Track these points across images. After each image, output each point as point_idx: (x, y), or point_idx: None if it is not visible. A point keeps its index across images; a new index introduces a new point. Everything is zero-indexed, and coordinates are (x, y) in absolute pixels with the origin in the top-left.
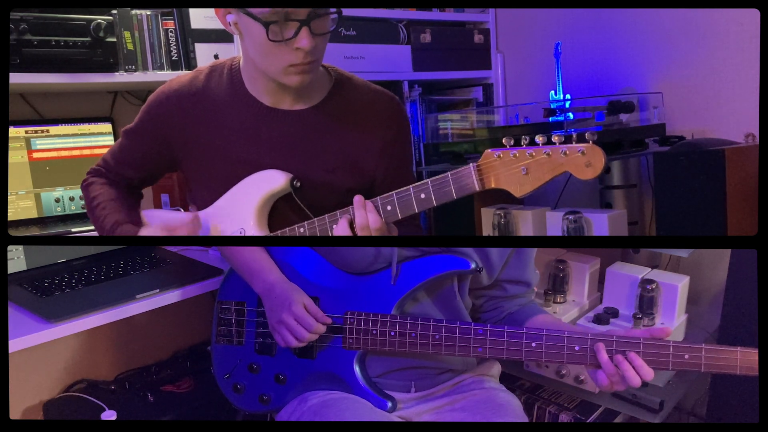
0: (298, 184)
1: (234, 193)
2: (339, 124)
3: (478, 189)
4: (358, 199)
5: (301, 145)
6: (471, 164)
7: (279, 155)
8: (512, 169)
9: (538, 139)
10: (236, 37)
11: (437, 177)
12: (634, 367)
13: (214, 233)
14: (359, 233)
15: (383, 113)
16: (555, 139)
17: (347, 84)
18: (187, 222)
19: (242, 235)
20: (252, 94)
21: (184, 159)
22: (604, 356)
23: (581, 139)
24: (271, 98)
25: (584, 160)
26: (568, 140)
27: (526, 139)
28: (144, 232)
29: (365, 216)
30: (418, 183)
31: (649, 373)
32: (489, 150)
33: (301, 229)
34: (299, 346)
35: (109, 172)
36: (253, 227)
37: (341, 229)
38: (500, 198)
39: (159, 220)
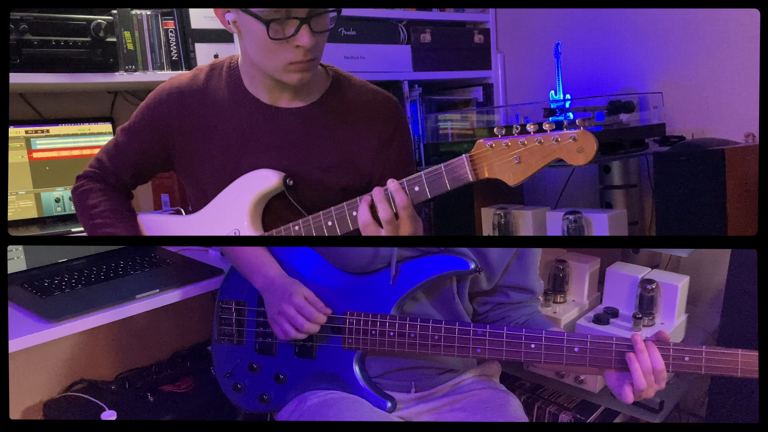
0: (291, 182)
1: (227, 193)
2: (336, 121)
3: (471, 179)
4: (377, 189)
5: (298, 142)
6: (464, 155)
7: (275, 153)
8: (505, 158)
9: (530, 127)
10: (235, 36)
11: (430, 169)
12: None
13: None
14: (386, 227)
15: (380, 112)
16: (546, 126)
17: (345, 82)
18: None
19: (237, 235)
20: (250, 92)
21: (180, 157)
22: (636, 366)
23: (572, 125)
24: (269, 96)
25: (576, 146)
26: (559, 127)
27: (517, 128)
28: None
29: (389, 209)
30: (412, 176)
31: (659, 362)
32: (481, 140)
33: (296, 227)
34: (299, 337)
35: (105, 173)
36: (247, 227)
37: (363, 217)
38: (500, 198)
39: None
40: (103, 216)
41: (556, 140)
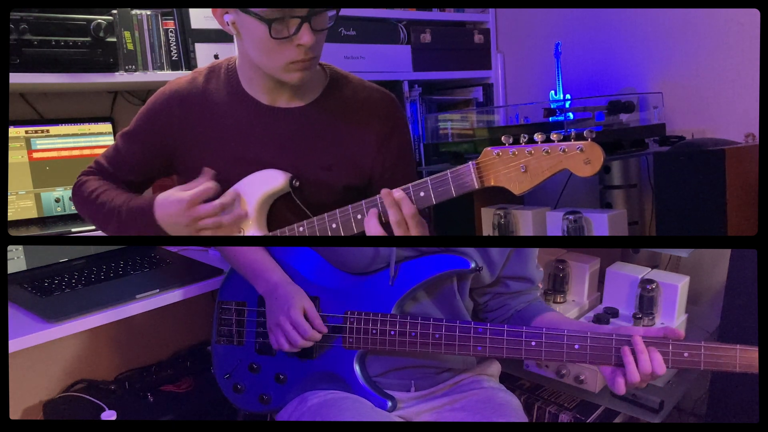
0: (297, 183)
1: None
2: (335, 120)
3: (477, 187)
4: (385, 192)
5: (298, 142)
6: (470, 162)
7: (276, 153)
8: (511, 166)
9: (537, 137)
10: (234, 37)
11: (436, 175)
12: (651, 360)
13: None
14: (396, 231)
15: (379, 109)
16: (554, 137)
17: (343, 81)
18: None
19: (241, 235)
20: (249, 93)
21: (182, 161)
22: (630, 359)
23: (580, 137)
24: (268, 96)
25: (583, 158)
26: (566, 138)
27: (524, 137)
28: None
29: (399, 213)
30: (418, 181)
31: (661, 366)
32: (488, 148)
33: (300, 229)
34: (292, 350)
35: (103, 173)
36: (251, 227)
37: (372, 228)
38: (500, 198)
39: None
40: (103, 194)
41: (563, 151)
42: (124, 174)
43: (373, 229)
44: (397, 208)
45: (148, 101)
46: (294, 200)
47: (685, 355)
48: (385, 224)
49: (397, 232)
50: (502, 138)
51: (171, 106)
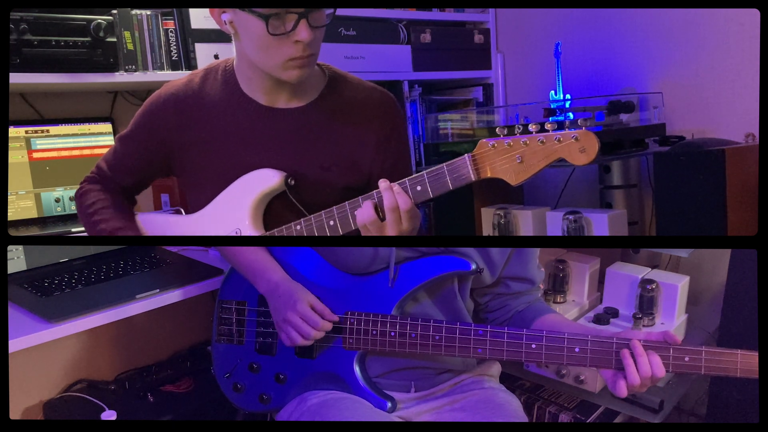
0: (293, 182)
1: (229, 193)
2: (334, 121)
3: (473, 179)
4: (383, 182)
5: (297, 143)
6: (466, 155)
7: (274, 154)
8: (507, 157)
9: (532, 127)
10: (232, 37)
11: (433, 168)
12: (650, 363)
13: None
14: (389, 215)
15: (378, 110)
16: (548, 126)
17: (341, 81)
18: None
19: (238, 235)
20: (247, 94)
21: (180, 162)
22: (630, 362)
23: (574, 126)
24: (266, 97)
25: (578, 146)
26: (561, 127)
27: (519, 128)
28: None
29: (393, 198)
30: (414, 175)
31: (660, 369)
32: (484, 140)
33: (298, 227)
34: (305, 344)
35: (104, 178)
36: (248, 227)
37: (365, 213)
38: (500, 198)
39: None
40: (99, 212)
41: (558, 140)
42: (122, 177)
43: (365, 213)
44: (392, 192)
45: (144, 104)
46: (290, 199)
47: (686, 359)
48: (383, 219)
49: (390, 218)
50: (497, 130)
51: (167, 108)
